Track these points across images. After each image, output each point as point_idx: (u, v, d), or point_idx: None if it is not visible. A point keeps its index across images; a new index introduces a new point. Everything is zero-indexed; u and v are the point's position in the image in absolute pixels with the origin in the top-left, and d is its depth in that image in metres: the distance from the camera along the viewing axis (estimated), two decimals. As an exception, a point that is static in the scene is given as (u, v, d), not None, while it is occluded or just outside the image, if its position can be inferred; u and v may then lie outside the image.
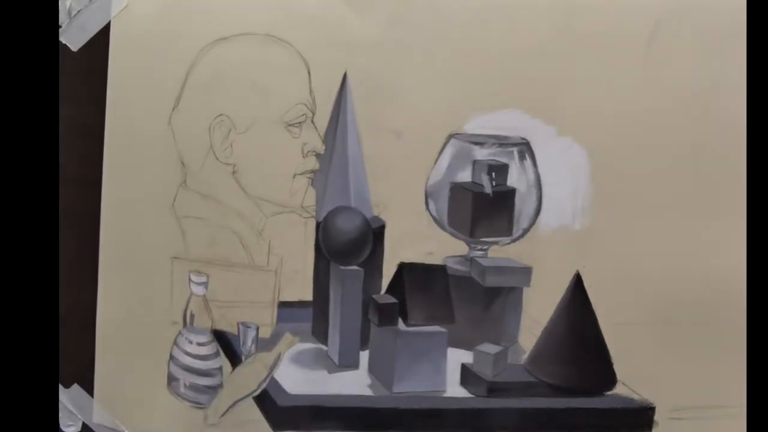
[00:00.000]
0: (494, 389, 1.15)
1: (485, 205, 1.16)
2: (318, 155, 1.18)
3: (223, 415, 1.19)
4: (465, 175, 1.17)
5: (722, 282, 1.07)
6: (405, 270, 1.16)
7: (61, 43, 1.23)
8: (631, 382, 1.12)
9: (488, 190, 1.15)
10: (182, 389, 1.21)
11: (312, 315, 1.22)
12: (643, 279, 1.10)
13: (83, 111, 1.23)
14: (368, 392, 1.17)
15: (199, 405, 1.21)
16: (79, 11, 1.22)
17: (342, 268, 1.19)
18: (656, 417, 1.12)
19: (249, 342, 1.19)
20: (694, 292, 1.08)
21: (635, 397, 1.12)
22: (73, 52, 1.23)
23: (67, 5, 1.23)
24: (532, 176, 1.13)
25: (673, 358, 1.10)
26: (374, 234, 1.17)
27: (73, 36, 1.23)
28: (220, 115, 1.17)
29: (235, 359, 1.20)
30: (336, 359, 1.20)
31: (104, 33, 1.22)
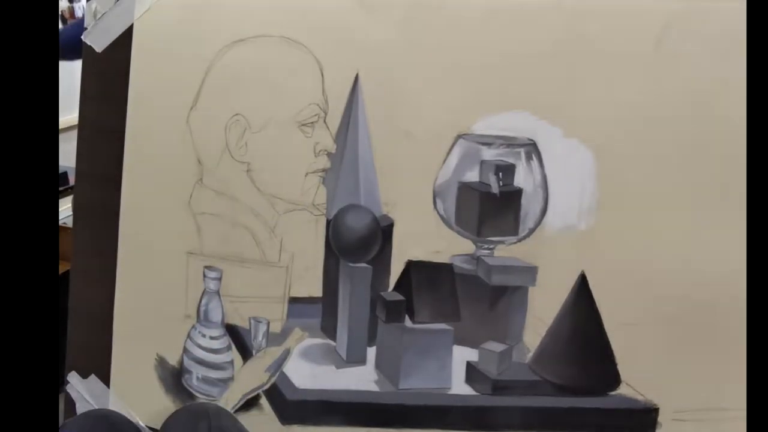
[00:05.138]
0: (499, 387, 1.12)
1: (492, 205, 1.14)
2: (329, 154, 1.17)
3: (233, 407, 1.19)
4: (473, 175, 1.14)
5: (726, 283, 1.04)
6: (412, 268, 1.14)
7: (85, 43, 1.25)
8: (635, 382, 1.09)
9: (495, 189, 1.14)
10: (195, 381, 1.21)
11: (321, 311, 1.21)
12: (647, 280, 1.06)
13: (105, 110, 1.25)
14: (374, 388, 1.15)
15: (210, 397, 1.21)
16: (104, 14, 1.24)
17: (351, 265, 1.17)
18: (660, 418, 1.09)
19: (260, 336, 1.19)
20: (698, 293, 1.05)
21: (639, 398, 1.09)
22: (97, 53, 1.24)
23: (93, 8, 1.25)
24: (538, 177, 1.12)
25: (677, 359, 1.07)
26: (383, 232, 1.15)
27: (97, 37, 1.24)
28: (236, 114, 1.17)
29: (246, 353, 1.20)
30: (344, 355, 1.18)
31: (127, 35, 1.24)
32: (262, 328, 1.18)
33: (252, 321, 1.19)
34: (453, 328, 1.15)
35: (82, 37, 1.23)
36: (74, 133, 1.23)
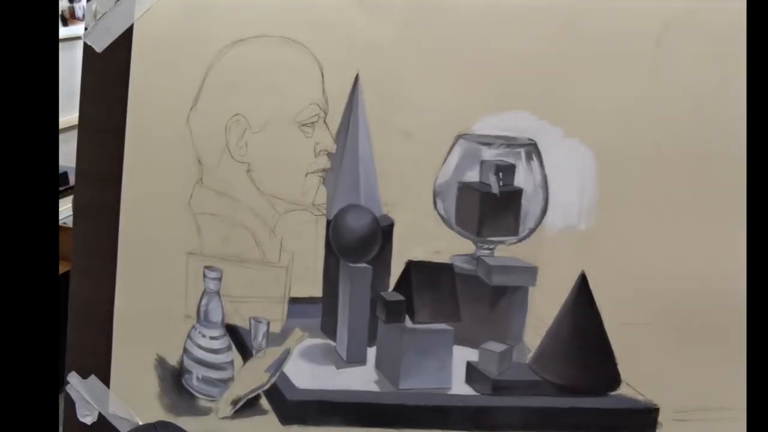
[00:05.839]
0: (499, 387, 1.12)
1: (492, 205, 1.14)
2: (329, 154, 1.17)
3: (233, 408, 1.19)
4: (473, 175, 1.15)
5: (726, 283, 1.04)
6: (413, 268, 1.14)
7: (86, 44, 1.25)
8: (636, 382, 1.09)
9: (495, 190, 1.14)
10: (195, 382, 1.21)
11: (321, 311, 1.21)
12: (647, 280, 1.07)
13: (105, 110, 1.25)
14: (375, 388, 1.15)
15: (210, 398, 1.20)
16: (104, 14, 1.24)
17: (351, 265, 1.17)
18: (660, 418, 1.09)
19: (260, 336, 1.19)
20: (698, 293, 1.05)
21: (639, 397, 1.09)
22: (97, 53, 1.24)
23: (93, 8, 1.25)
24: (538, 177, 1.12)
25: (677, 359, 1.07)
26: (383, 232, 1.15)
27: (97, 38, 1.24)
28: (236, 114, 1.17)
29: (246, 353, 1.20)
30: (344, 355, 1.18)
31: (127, 35, 1.24)
32: (262, 328, 1.18)
33: (252, 321, 1.19)
34: (453, 328, 1.15)
35: (82, 36, 1.23)
36: (74, 133, 1.23)
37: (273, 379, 1.17)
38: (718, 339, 1.06)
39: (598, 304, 1.09)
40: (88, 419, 1.26)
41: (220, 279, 1.19)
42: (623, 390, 1.10)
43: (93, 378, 1.25)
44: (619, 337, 1.09)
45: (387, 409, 1.14)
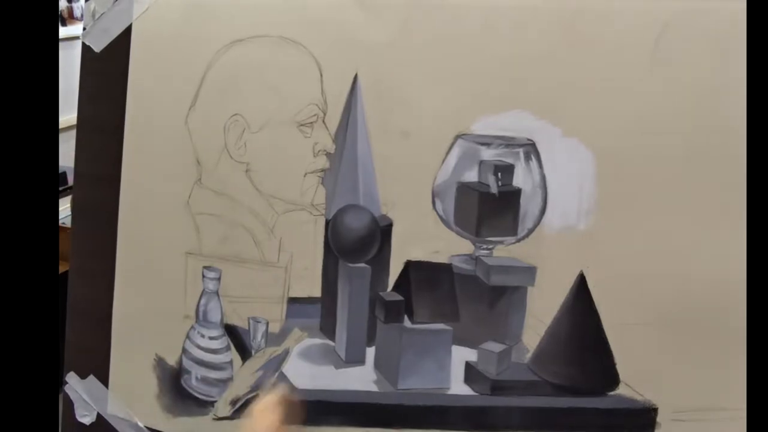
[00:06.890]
0: (498, 387, 1.12)
1: (491, 205, 1.14)
2: (328, 154, 1.17)
3: (232, 407, 1.19)
4: (471, 175, 1.15)
5: (726, 283, 1.04)
6: (411, 268, 1.14)
7: (84, 44, 1.25)
8: (634, 382, 1.09)
9: (494, 190, 1.13)
10: (194, 382, 1.21)
11: (320, 311, 1.21)
12: (646, 280, 1.06)
13: (104, 110, 1.24)
14: (373, 388, 1.15)
15: (209, 397, 1.20)
16: (102, 14, 1.23)
17: (350, 265, 1.17)
18: (659, 418, 1.09)
19: (259, 336, 1.19)
20: (697, 293, 1.05)
21: (638, 398, 1.09)
22: (95, 53, 1.24)
23: (91, 8, 1.24)
24: (537, 177, 1.12)
25: (676, 359, 1.07)
26: (382, 232, 1.15)
27: (96, 38, 1.23)
28: (235, 114, 1.17)
29: (245, 353, 1.20)
30: (343, 355, 1.18)
31: (125, 35, 1.23)
32: (261, 328, 1.18)
33: (251, 321, 1.19)
34: (452, 329, 1.15)
35: (80, 36, 1.23)
36: (73, 133, 1.23)
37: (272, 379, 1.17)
38: (718, 339, 1.05)
39: (597, 304, 1.09)
40: (87, 419, 1.26)
41: (219, 279, 1.19)
42: (622, 390, 1.10)
43: (92, 378, 1.25)
44: (618, 337, 1.08)
45: (386, 409, 1.14)
